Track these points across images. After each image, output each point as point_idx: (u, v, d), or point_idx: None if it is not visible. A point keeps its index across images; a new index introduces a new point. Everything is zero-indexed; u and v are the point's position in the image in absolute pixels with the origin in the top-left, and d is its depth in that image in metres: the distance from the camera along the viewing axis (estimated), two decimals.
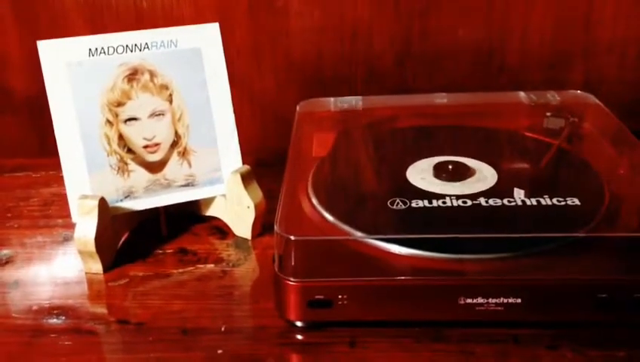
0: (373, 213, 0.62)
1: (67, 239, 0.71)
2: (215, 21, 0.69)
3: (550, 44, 0.85)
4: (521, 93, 0.80)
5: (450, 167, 0.66)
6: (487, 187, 0.63)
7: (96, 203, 0.64)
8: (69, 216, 0.66)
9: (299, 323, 0.57)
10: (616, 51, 0.85)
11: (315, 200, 0.63)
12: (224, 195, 0.71)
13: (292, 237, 0.55)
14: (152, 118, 0.68)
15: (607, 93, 0.82)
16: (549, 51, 0.85)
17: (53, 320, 0.60)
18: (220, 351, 0.55)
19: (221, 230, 0.72)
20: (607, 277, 0.54)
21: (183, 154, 0.70)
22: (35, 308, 0.62)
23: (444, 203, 0.60)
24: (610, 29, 0.84)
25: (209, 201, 0.73)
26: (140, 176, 0.69)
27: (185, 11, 0.83)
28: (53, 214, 0.77)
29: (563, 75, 0.86)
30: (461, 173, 0.65)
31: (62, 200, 0.67)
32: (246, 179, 0.69)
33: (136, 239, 0.71)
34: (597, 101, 0.78)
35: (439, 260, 0.55)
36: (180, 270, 0.66)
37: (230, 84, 0.70)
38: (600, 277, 0.54)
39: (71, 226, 0.66)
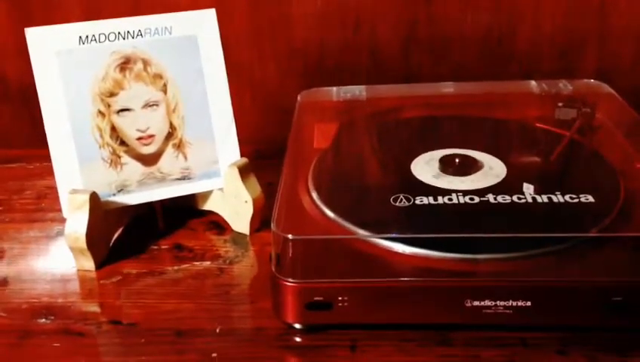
0: (376, 210, 0.59)
1: (60, 234, 0.69)
2: (212, 7, 0.67)
3: (562, 30, 0.82)
4: (532, 82, 0.78)
5: (456, 160, 0.63)
6: (496, 182, 0.60)
7: (87, 197, 0.62)
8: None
9: (297, 326, 0.55)
10: (631, 38, 0.82)
11: (315, 195, 0.60)
12: (221, 189, 0.68)
13: (290, 237, 0.52)
14: (146, 108, 0.65)
15: (622, 82, 0.79)
16: (561, 38, 0.83)
17: (42, 320, 0.58)
18: (214, 355, 0.53)
19: (219, 225, 0.70)
20: (622, 279, 0.51)
21: (179, 146, 0.67)
22: (24, 306, 0.60)
23: (450, 200, 0.57)
24: (626, 15, 0.81)
25: (206, 195, 0.70)
26: (133, 169, 0.66)
27: None
28: (47, 208, 0.75)
29: (575, 62, 0.84)
30: (468, 166, 0.62)
31: (56, 193, 0.65)
32: (244, 172, 0.66)
33: (129, 235, 0.69)
34: (611, 90, 0.75)
35: (445, 260, 0.53)
36: (175, 267, 0.64)
37: (228, 72, 0.67)
38: (615, 279, 0.51)
39: (65, 220, 0.64)
